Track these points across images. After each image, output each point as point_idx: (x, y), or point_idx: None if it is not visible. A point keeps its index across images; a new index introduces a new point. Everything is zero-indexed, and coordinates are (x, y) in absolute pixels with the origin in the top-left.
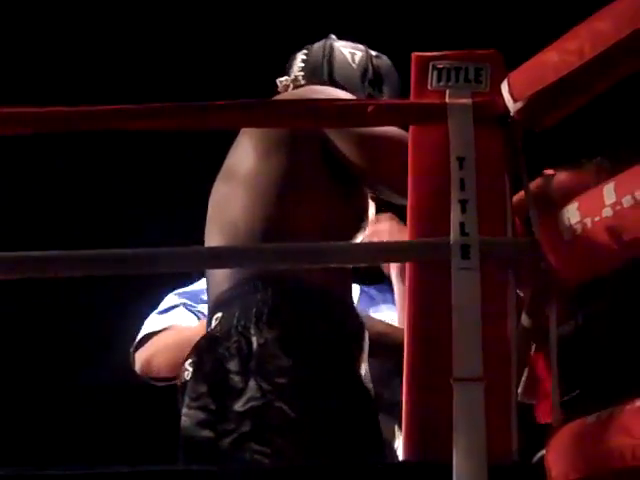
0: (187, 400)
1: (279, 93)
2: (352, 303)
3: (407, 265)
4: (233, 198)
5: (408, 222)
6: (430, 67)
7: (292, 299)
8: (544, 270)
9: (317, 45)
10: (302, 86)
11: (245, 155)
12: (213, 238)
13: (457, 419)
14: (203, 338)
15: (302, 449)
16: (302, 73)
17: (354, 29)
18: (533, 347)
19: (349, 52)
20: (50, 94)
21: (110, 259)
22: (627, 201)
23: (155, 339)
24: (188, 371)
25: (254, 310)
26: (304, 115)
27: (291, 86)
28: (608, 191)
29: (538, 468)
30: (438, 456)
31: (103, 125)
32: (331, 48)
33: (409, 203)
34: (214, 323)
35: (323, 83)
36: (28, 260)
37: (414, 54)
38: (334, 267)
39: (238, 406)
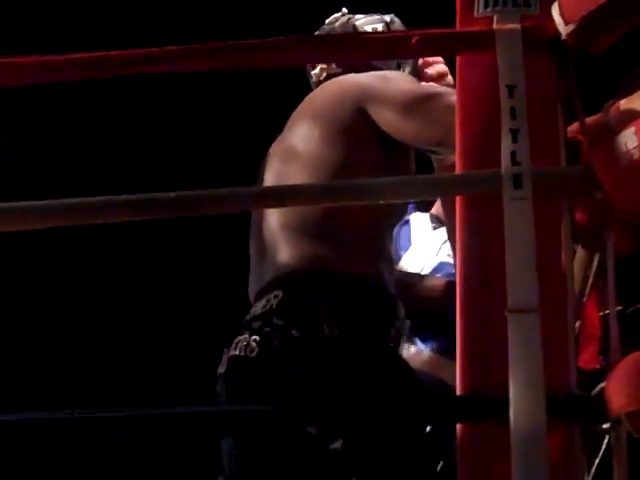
0: (254, 381)
1: (311, 85)
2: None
3: (458, 198)
4: (290, 176)
5: (457, 155)
6: None
7: (347, 292)
8: (600, 199)
9: (337, 26)
10: (339, 74)
11: (308, 137)
12: (271, 217)
13: (513, 352)
14: (264, 313)
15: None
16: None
17: None
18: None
19: (371, 29)
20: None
21: (156, 202)
22: None
23: None
24: (251, 347)
25: (317, 300)
26: (352, 48)
27: (324, 74)
28: None
29: (598, 400)
30: (494, 390)
31: (149, 68)
32: (354, 29)
33: (458, 136)
34: (274, 300)
35: (357, 71)
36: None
37: None
38: (380, 257)
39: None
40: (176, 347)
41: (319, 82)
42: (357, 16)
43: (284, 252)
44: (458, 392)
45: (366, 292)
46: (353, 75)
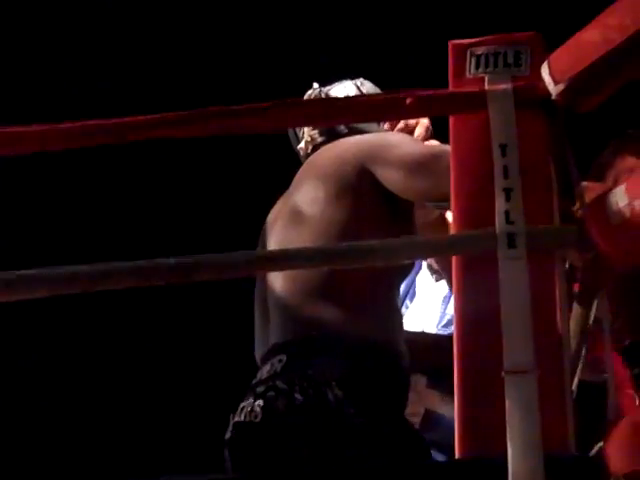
0: (259, 446)
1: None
2: (401, 352)
3: (453, 258)
4: (295, 237)
5: (452, 214)
6: (468, 54)
7: (357, 357)
8: (593, 257)
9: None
10: (322, 144)
11: (313, 199)
12: (274, 280)
13: (510, 413)
14: (269, 377)
15: None
16: (316, 131)
17: (390, 22)
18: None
19: (344, 95)
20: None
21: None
22: None
23: None
24: (255, 412)
25: (321, 365)
26: (348, 110)
27: (310, 147)
28: None
29: (597, 461)
30: (493, 452)
31: (148, 134)
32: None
33: (452, 195)
34: (278, 365)
35: (343, 136)
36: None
37: (451, 42)
38: (389, 319)
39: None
40: (187, 412)
41: (307, 155)
42: (328, 87)
43: (289, 315)
44: (457, 455)
45: (374, 357)
46: (355, 137)
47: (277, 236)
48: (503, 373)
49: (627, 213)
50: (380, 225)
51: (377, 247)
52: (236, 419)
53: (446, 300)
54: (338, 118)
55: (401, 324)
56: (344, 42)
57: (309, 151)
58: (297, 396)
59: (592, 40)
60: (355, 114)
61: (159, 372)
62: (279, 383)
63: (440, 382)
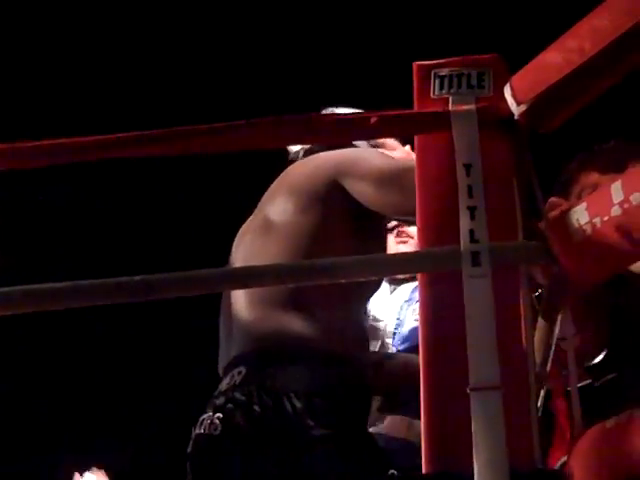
0: (219, 459)
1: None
2: (363, 365)
3: (418, 275)
4: (263, 249)
5: (417, 233)
6: (432, 75)
7: (318, 369)
8: (557, 273)
9: None
10: (318, 151)
11: (283, 209)
12: (237, 292)
13: (476, 429)
14: (228, 389)
15: None
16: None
17: (354, 41)
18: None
19: None
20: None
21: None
22: (635, 198)
23: None
24: (215, 425)
25: (281, 377)
26: (313, 129)
27: (301, 153)
28: (616, 190)
29: (561, 474)
30: (459, 467)
31: (132, 152)
32: None
33: (417, 213)
34: (237, 377)
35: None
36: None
37: (415, 63)
38: (352, 332)
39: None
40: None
41: (296, 159)
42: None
43: (250, 327)
44: (424, 470)
45: (335, 370)
46: (327, 152)
47: (244, 248)
48: (468, 389)
49: (588, 230)
50: (348, 237)
51: (342, 264)
52: (197, 431)
53: (400, 314)
54: (304, 137)
55: (365, 337)
56: (310, 64)
57: (300, 156)
58: (255, 408)
59: (553, 62)
60: (320, 133)
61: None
62: (237, 395)
63: (409, 403)
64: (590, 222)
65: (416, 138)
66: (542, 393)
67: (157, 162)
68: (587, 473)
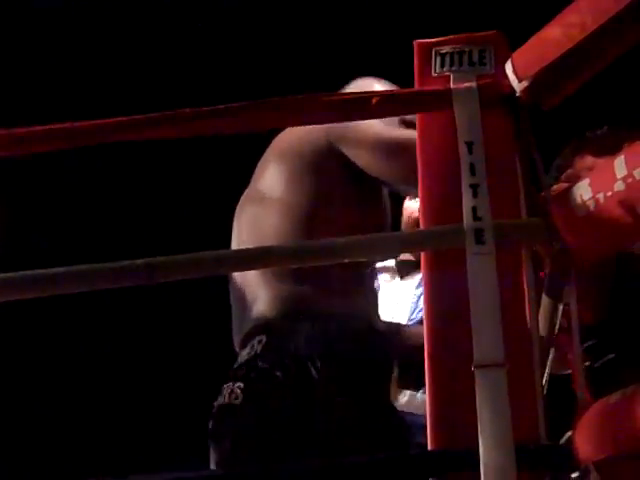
0: (240, 427)
1: None
2: (380, 330)
3: (422, 254)
4: (264, 218)
5: (420, 211)
6: (433, 53)
7: (338, 335)
8: (560, 249)
9: None
10: None
11: (276, 178)
12: None
13: (481, 406)
14: (250, 359)
15: None
16: None
17: (355, 22)
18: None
19: None
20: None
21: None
22: (639, 173)
23: None
24: (235, 394)
25: (306, 343)
26: (313, 109)
27: None
28: (619, 164)
29: (566, 450)
30: (464, 444)
31: (132, 136)
32: None
33: (420, 192)
34: (258, 346)
35: None
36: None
37: (416, 41)
38: (365, 298)
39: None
40: (168, 404)
41: None
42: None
43: (264, 296)
44: (429, 447)
45: (354, 336)
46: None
47: (246, 219)
48: (473, 367)
49: (591, 206)
50: (347, 203)
51: (347, 244)
52: (219, 402)
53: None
54: (305, 118)
55: (377, 304)
56: (310, 43)
57: None
58: (278, 374)
59: (554, 38)
60: (322, 113)
61: (144, 367)
62: (260, 363)
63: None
64: (594, 198)
65: (417, 116)
66: (547, 369)
67: (157, 145)
68: (592, 447)
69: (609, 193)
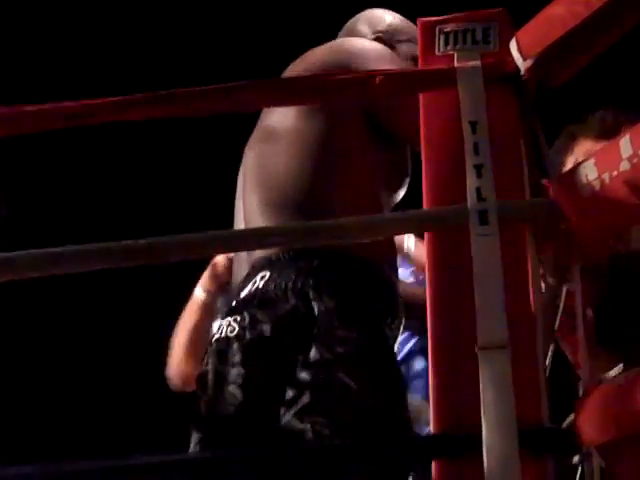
0: (237, 358)
1: None
2: (391, 271)
3: (425, 235)
4: (274, 156)
5: (424, 191)
6: (437, 32)
7: (343, 270)
8: (565, 230)
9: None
10: None
11: (284, 116)
12: (252, 196)
13: (484, 388)
14: (249, 295)
15: (362, 419)
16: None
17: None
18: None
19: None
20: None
21: (126, 250)
22: None
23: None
24: (231, 327)
25: (310, 277)
26: (316, 89)
27: None
28: (624, 144)
29: (569, 433)
30: (467, 426)
31: (122, 115)
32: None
33: (423, 172)
34: (260, 282)
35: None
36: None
37: (420, 20)
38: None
39: (302, 375)
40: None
41: None
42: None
43: None
44: (432, 430)
45: (362, 272)
46: (322, 47)
47: (254, 153)
48: (477, 349)
49: (597, 186)
50: (365, 149)
51: (349, 224)
52: (213, 339)
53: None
54: (306, 98)
55: (392, 244)
56: (311, 24)
57: None
58: (283, 306)
59: (559, 15)
60: (324, 93)
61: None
62: (261, 297)
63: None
64: (599, 178)
65: (421, 96)
66: (550, 352)
67: (158, 124)
68: (594, 430)
69: (615, 173)
